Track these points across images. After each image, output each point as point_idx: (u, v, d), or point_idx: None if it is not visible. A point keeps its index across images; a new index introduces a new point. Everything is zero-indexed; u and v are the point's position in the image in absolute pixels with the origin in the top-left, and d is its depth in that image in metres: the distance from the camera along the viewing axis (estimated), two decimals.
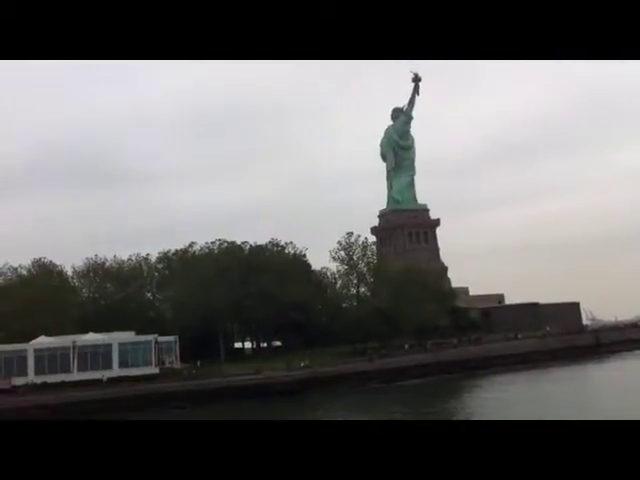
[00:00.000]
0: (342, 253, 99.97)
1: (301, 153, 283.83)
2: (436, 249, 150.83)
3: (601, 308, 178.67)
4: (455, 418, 51.08)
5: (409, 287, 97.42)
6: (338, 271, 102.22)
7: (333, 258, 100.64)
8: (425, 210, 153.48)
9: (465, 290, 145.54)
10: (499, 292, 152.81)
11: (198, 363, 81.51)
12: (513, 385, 72.33)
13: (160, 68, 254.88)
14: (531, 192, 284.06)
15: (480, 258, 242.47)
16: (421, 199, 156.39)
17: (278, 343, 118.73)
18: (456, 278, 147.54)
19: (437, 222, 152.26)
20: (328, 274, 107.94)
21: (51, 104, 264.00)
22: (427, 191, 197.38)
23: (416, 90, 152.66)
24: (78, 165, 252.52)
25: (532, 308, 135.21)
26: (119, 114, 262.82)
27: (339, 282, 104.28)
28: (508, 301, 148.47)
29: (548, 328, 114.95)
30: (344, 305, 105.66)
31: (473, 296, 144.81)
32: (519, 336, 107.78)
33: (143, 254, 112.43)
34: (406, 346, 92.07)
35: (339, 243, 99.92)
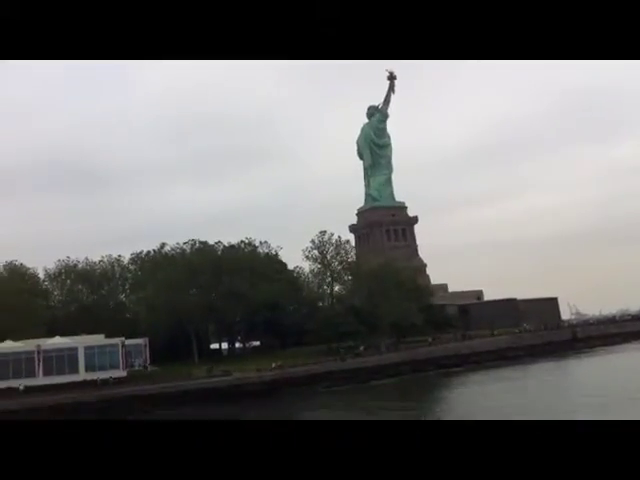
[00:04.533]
0: (315, 252, 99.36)
1: (282, 155, 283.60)
2: (414, 246, 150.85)
3: (586, 302, 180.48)
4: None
5: (384, 284, 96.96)
6: (312, 270, 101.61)
7: (306, 257, 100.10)
8: (403, 207, 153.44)
9: (444, 287, 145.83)
10: (478, 288, 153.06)
11: (142, 366, 80.00)
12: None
13: (142, 71, 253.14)
14: (511, 190, 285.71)
15: (460, 255, 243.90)
16: (400, 197, 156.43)
17: (257, 343, 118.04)
18: (436, 275, 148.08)
19: (415, 219, 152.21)
20: (304, 273, 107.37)
21: (32, 109, 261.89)
22: (406, 189, 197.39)
23: (391, 88, 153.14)
24: (55, 169, 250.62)
25: (510, 304, 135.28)
26: (98, 117, 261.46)
27: (315, 281, 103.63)
28: (488, 297, 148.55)
29: (525, 324, 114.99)
30: (320, 304, 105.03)
31: (452, 293, 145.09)
32: (495, 332, 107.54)
33: (115, 255, 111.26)
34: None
35: (312, 242, 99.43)
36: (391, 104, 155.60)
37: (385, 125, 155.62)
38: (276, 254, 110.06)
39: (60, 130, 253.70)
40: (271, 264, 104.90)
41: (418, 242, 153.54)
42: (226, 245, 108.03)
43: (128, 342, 77.09)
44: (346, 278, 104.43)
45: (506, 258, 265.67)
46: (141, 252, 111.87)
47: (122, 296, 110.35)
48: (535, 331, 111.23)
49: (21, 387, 66.42)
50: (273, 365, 78.67)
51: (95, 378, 69.56)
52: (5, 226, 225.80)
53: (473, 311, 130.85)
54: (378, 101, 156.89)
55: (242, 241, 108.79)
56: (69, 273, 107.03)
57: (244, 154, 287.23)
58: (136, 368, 78.03)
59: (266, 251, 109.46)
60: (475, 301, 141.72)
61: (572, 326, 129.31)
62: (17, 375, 68.70)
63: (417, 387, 74.59)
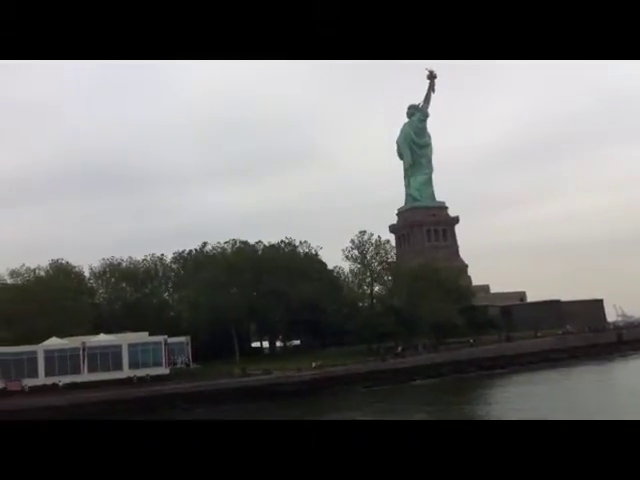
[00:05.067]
0: (355, 252, 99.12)
1: (321, 156, 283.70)
2: (455, 247, 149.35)
3: (633, 304, 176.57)
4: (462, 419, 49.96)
5: (424, 285, 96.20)
6: (351, 270, 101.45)
7: (346, 257, 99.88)
8: (444, 208, 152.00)
9: (486, 288, 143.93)
10: (521, 290, 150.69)
11: (184, 364, 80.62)
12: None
13: (179, 72, 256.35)
14: (553, 190, 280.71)
15: (503, 256, 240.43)
16: (440, 197, 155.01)
17: (297, 342, 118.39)
18: (477, 276, 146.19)
19: (456, 220, 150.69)
20: (344, 273, 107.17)
21: (68, 110, 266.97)
22: (447, 189, 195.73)
23: (431, 87, 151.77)
24: (96, 170, 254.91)
25: (554, 306, 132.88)
26: (137, 118, 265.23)
27: (355, 281, 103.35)
28: (530, 299, 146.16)
29: (568, 326, 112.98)
30: (360, 304, 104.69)
31: (494, 294, 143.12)
32: (539, 334, 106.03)
33: (158, 254, 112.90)
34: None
35: (352, 242, 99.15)
36: (431, 103, 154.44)
37: (425, 124, 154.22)
38: (316, 254, 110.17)
39: (99, 131, 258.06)
40: (311, 264, 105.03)
41: (459, 242, 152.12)
42: (266, 245, 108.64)
43: (171, 340, 78.07)
44: (386, 278, 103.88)
45: (549, 259, 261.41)
46: (183, 251, 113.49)
47: (165, 294, 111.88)
48: (579, 333, 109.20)
49: (60, 383, 67.82)
50: (313, 364, 78.72)
51: (140, 375, 70.66)
52: (51, 226, 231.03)
53: (516, 312, 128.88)
54: (418, 100, 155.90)
55: (282, 241, 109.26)
56: (113, 272, 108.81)
57: (284, 155, 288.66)
58: (178, 366, 78.94)
59: (306, 251, 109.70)
60: (518, 302, 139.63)
61: (617, 328, 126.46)
62: (63, 372, 70.01)
63: (459, 388, 73.93)
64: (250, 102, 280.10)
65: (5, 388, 67.15)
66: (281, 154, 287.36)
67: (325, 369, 77.43)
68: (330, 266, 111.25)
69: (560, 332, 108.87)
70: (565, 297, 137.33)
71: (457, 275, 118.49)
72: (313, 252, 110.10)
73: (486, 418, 50.61)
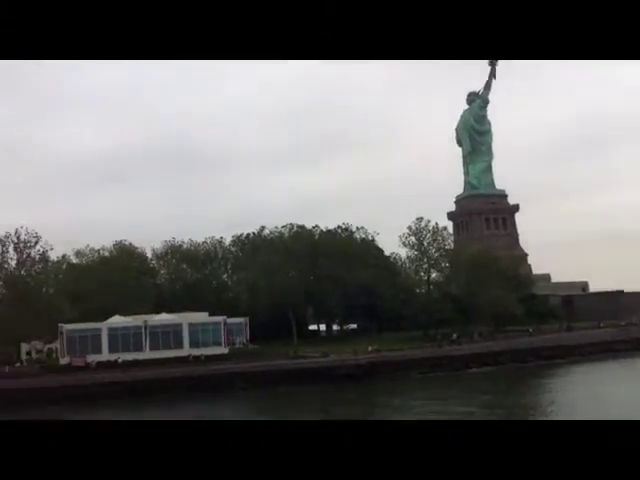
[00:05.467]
0: (412, 238, 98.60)
1: (380, 142, 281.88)
2: (515, 235, 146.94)
3: None
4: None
5: (482, 273, 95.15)
6: (408, 257, 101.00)
7: (403, 243, 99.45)
8: (503, 196, 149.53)
9: (546, 277, 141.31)
10: (583, 280, 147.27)
11: (243, 344, 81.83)
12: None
13: (235, 70, 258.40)
14: (620, 179, 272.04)
15: (565, 245, 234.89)
16: (500, 184, 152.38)
17: (354, 326, 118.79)
18: (539, 265, 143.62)
19: (516, 208, 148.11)
20: (401, 259, 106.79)
21: (142, 99, 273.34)
22: (508, 176, 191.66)
23: (492, 74, 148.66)
24: (165, 155, 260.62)
25: (617, 296, 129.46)
26: (203, 105, 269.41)
27: (411, 267, 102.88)
28: (594, 289, 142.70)
29: (633, 317, 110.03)
30: (417, 290, 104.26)
31: (555, 283, 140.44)
32: (601, 325, 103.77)
33: (217, 237, 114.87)
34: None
35: (409, 228, 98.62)
36: (492, 90, 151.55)
37: (486, 111, 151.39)
38: (373, 240, 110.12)
39: (166, 122, 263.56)
40: (368, 249, 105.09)
41: (520, 231, 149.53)
42: (323, 230, 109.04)
43: (229, 321, 79.61)
44: (443, 265, 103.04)
45: (614, 249, 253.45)
46: (242, 234, 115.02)
47: (224, 276, 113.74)
48: None
49: (120, 360, 70.03)
50: (369, 349, 78.93)
51: (196, 354, 72.37)
52: (116, 209, 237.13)
53: (577, 302, 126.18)
54: (477, 87, 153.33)
55: (339, 226, 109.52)
56: (175, 253, 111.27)
57: (344, 142, 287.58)
58: (237, 346, 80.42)
59: (362, 236, 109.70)
60: (580, 292, 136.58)
61: None
62: (125, 349, 72.26)
63: (516, 377, 72.99)
64: (313, 89, 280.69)
65: (70, 363, 69.80)
66: (341, 141, 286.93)
67: (381, 353, 77.59)
68: (387, 252, 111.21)
69: (623, 323, 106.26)
70: (630, 288, 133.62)
71: (517, 263, 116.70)
72: (370, 238, 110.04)
73: (536, 411, 50.08)
